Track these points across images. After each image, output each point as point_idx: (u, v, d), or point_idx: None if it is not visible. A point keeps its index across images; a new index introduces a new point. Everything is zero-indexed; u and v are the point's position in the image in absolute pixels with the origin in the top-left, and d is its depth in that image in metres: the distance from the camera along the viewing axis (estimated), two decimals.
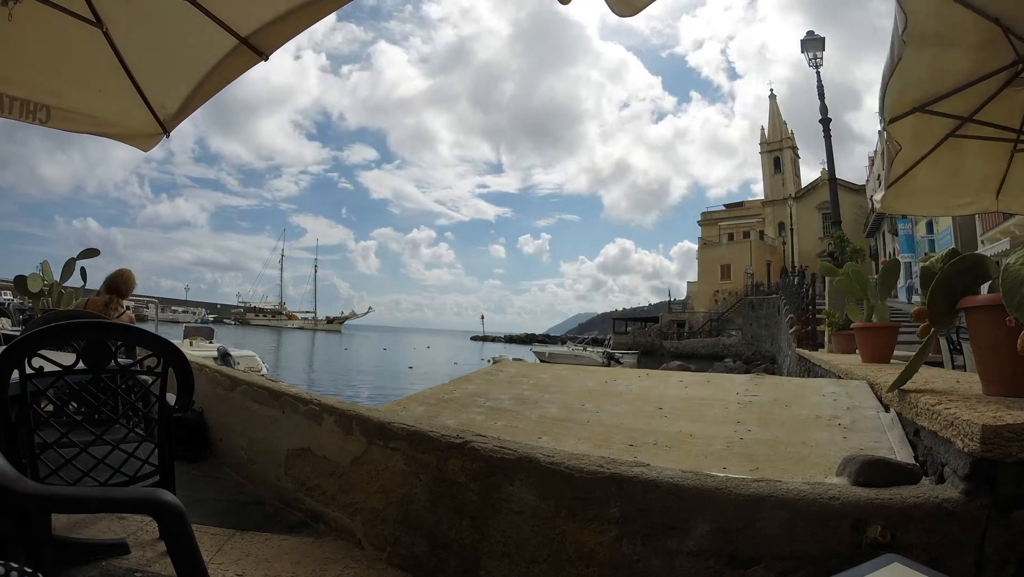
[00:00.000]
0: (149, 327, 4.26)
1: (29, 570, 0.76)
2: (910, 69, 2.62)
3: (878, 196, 3.59)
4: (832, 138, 12.04)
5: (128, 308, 4.66)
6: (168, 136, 2.64)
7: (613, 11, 1.57)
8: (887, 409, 2.41)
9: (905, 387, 1.96)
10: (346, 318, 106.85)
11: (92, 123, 2.57)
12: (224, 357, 14.16)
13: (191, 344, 15.86)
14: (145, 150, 2.74)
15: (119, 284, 4.37)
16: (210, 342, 16.70)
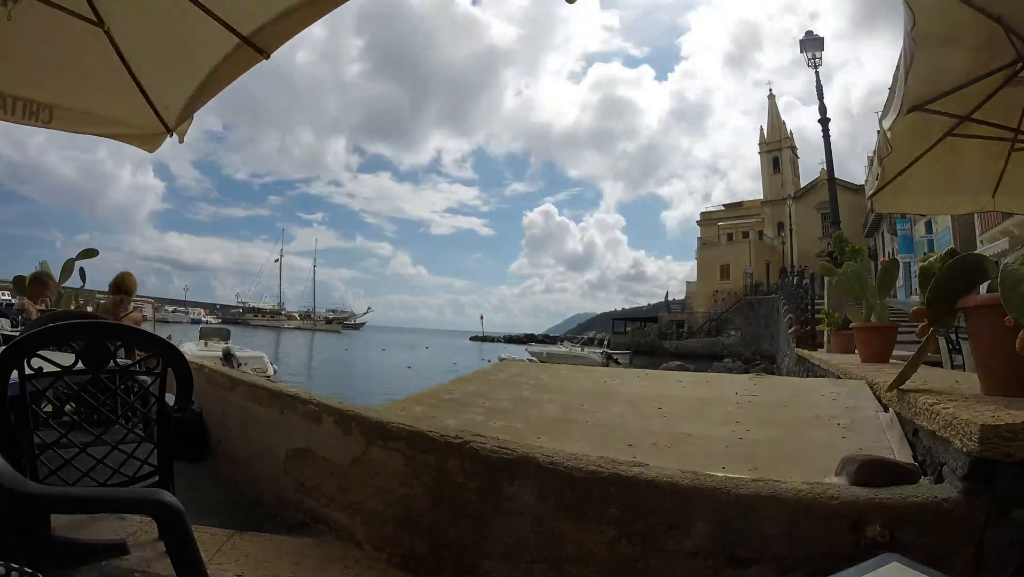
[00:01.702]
0: (146, 327, 4.33)
1: (29, 570, 0.76)
2: (916, 68, 2.62)
3: (872, 195, 3.60)
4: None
5: (135, 308, 4.96)
6: (172, 134, 2.64)
7: None
8: (886, 409, 2.42)
9: (904, 387, 1.96)
10: (344, 318, 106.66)
11: (95, 123, 2.57)
12: (227, 357, 14.40)
13: (206, 344, 16.08)
14: (150, 151, 2.74)
15: (126, 284, 4.61)
16: (226, 343, 16.87)
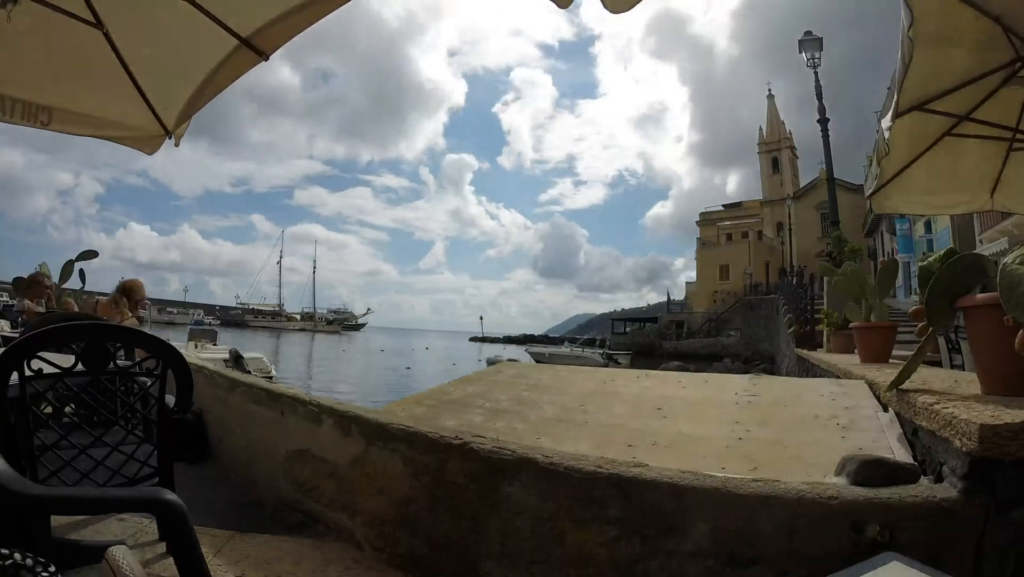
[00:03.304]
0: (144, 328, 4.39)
1: (43, 560, 0.77)
2: (914, 68, 2.63)
3: (870, 195, 3.60)
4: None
5: (134, 314, 4.93)
6: (171, 136, 2.64)
7: (606, 8, 1.57)
8: (885, 409, 2.42)
9: (903, 387, 1.96)
10: (344, 319, 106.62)
11: (94, 125, 2.57)
12: (236, 360, 14.85)
13: (196, 347, 16.37)
14: (149, 152, 2.73)
15: (132, 289, 4.76)
16: (214, 344, 17.13)
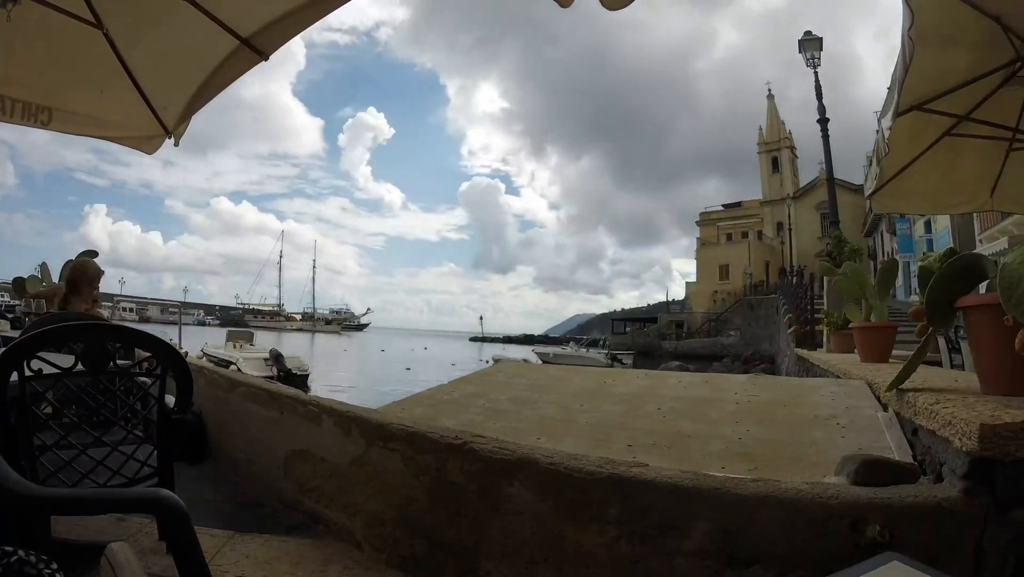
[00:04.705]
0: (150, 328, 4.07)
1: (46, 557, 0.78)
2: (914, 68, 2.63)
3: (870, 195, 3.60)
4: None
5: (98, 301, 3.58)
6: (171, 136, 2.64)
7: (603, 5, 1.57)
8: (885, 408, 2.42)
9: (903, 386, 1.96)
10: (345, 319, 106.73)
11: (94, 125, 2.57)
12: (277, 359, 15.32)
13: (235, 347, 16.93)
14: (149, 152, 2.74)
15: (78, 278, 3.45)
16: (251, 344, 17.61)
